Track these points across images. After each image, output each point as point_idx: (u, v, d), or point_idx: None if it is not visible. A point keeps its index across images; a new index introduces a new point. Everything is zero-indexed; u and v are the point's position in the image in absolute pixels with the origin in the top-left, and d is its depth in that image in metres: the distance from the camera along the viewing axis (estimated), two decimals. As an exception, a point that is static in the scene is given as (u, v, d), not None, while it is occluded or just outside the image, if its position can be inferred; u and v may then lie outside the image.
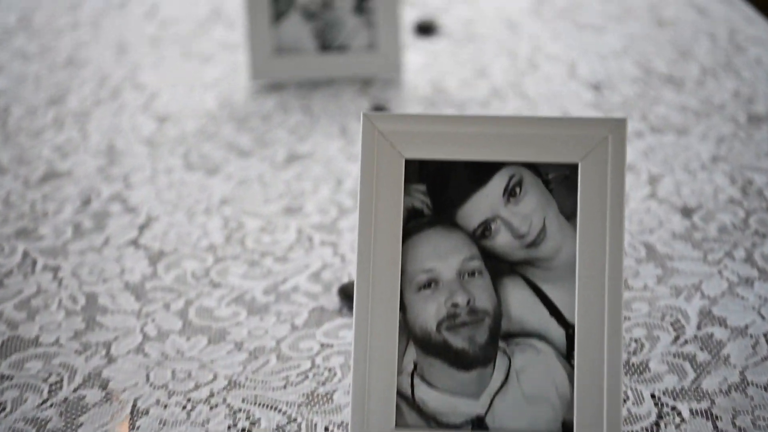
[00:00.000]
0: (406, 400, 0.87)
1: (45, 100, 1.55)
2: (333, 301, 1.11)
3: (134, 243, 1.22)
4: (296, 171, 1.36)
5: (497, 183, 0.90)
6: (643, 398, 0.97)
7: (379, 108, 1.48)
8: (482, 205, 0.90)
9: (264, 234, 1.23)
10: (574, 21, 1.76)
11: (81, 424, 0.95)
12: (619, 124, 0.89)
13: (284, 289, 1.13)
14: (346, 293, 1.11)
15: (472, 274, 0.89)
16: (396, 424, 0.87)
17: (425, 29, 1.73)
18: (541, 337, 0.88)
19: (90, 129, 1.47)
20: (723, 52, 1.63)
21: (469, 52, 1.67)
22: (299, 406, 0.97)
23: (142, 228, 1.24)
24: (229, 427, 0.94)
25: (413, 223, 0.90)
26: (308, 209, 1.28)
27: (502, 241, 0.89)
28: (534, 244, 0.89)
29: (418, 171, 0.90)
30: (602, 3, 1.83)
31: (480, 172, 0.90)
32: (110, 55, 1.70)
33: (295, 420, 0.95)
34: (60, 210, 1.28)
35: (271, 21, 1.55)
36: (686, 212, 1.23)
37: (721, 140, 1.38)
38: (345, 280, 1.14)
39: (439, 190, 0.90)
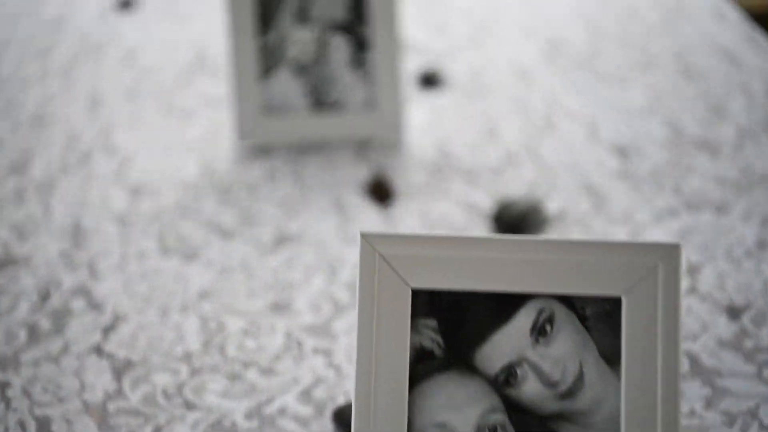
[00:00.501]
0: None
1: (5, 168, 1.40)
2: (326, 428, 0.96)
3: (97, 350, 1.07)
4: (285, 256, 1.21)
5: (523, 319, 0.75)
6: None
7: (379, 178, 1.32)
8: (505, 345, 0.75)
9: (247, 338, 1.08)
10: (594, 71, 1.61)
11: None
12: (672, 252, 0.74)
13: (269, 412, 0.98)
14: (342, 419, 0.95)
15: (493, 430, 0.74)
16: None
17: (429, 81, 1.58)
18: None
19: (54, 203, 1.32)
20: (761, 109, 1.48)
21: (478, 108, 1.52)
22: None
23: (107, 330, 1.09)
24: None
25: (422, 367, 0.76)
26: (298, 305, 1.13)
27: (529, 389, 0.75)
28: (569, 394, 0.74)
29: (427, 303, 0.76)
30: (623, 49, 1.68)
31: (502, 306, 0.75)
32: (81, 111, 1.54)
33: None
34: (14, 306, 1.13)
35: (258, 76, 1.40)
36: (733, 313, 1.08)
37: (766, 221, 1.23)
38: (341, 400, 0.99)
39: (453, 326, 0.75)
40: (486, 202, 1.30)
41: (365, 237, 0.76)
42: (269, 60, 1.41)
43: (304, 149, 1.42)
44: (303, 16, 1.41)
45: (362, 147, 1.42)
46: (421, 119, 1.49)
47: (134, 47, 1.75)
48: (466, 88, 1.59)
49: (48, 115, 1.53)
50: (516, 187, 1.32)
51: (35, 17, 1.86)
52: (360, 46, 1.41)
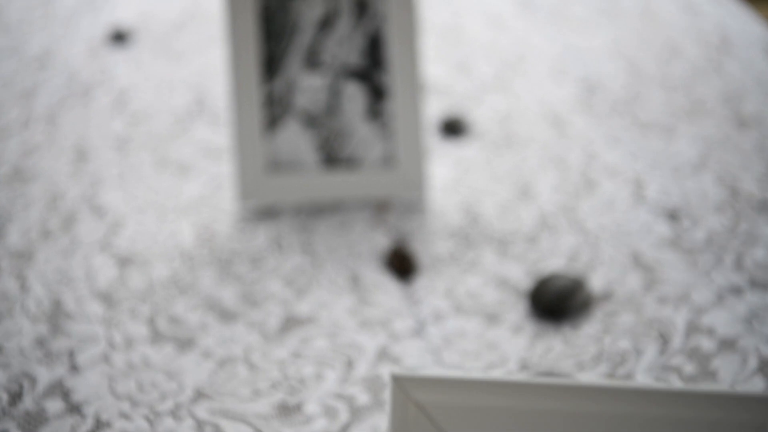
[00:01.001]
0: None
1: (-23, 234, 1.26)
2: None
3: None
4: (294, 345, 1.06)
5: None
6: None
7: (400, 248, 1.18)
8: None
9: (250, 451, 0.93)
10: (634, 118, 1.46)
11: None
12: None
13: None
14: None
15: None
16: None
17: (452, 129, 1.43)
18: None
19: (31, 277, 1.17)
20: (826, 165, 1.33)
21: (508, 162, 1.37)
22: None
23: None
24: None
25: None
26: (309, 409, 0.98)
27: None
28: None
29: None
30: (667, 93, 1.53)
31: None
32: (65, 165, 1.40)
33: None
34: (-19, 409, 0.98)
35: (263, 129, 1.26)
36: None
37: None
38: None
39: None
40: (521, 275, 1.15)
41: (397, 380, 0.61)
42: (275, 110, 1.26)
43: (315, 211, 1.27)
44: (313, 61, 1.26)
45: (381, 209, 1.27)
46: (445, 175, 1.34)
47: (126, 88, 1.60)
48: (493, 136, 1.44)
49: (28, 170, 1.39)
50: (555, 260, 1.18)
51: (19, 54, 1.72)
52: (377, 94, 1.26)
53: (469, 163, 1.37)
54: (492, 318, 1.09)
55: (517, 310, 1.10)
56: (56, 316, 1.11)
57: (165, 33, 1.77)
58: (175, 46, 1.74)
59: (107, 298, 1.13)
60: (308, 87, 1.26)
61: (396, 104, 1.25)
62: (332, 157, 1.27)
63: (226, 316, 1.10)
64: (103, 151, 1.43)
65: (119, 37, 1.74)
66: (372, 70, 1.26)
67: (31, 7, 1.87)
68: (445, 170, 1.35)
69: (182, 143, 1.44)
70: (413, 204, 1.28)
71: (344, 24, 1.25)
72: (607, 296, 1.11)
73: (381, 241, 1.21)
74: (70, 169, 1.39)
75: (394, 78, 1.25)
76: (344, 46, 1.26)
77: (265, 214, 1.27)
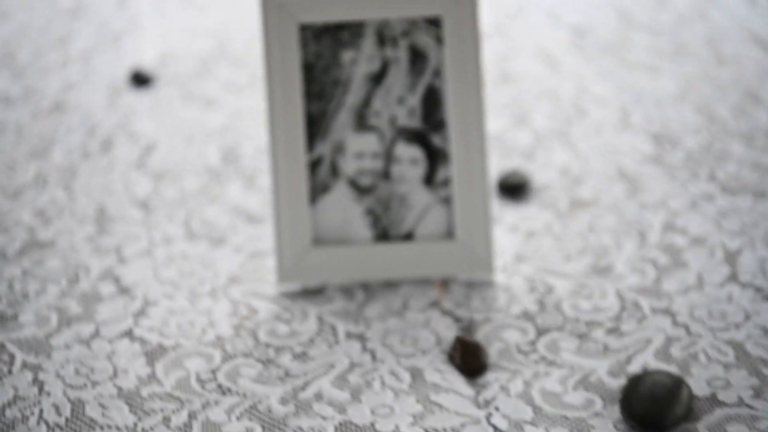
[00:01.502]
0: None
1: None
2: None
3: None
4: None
5: None
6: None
7: (467, 344, 1.04)
8: None
9: None
10: (720, 183, 1.32)
11: None
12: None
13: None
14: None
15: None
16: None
17: (511, 189, 1.30)
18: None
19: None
20: None
21: (576, 228, 1.23)
22: None
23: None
24: None
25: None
26: None
27: None
28: None
29: None
30: (746, 148, 1.39)
31: None
32: (80, 240, 1.25)
33: None
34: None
35: (308, 198, 1.12)
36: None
37: None
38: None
39: None
40: (605, 370, 1.01)
41: None
42: (322, 177, 1.13)
43: (368, 295, 1.13)
44: (363, 122, 1.13)
45: (440, 289, 1.14)
46: (507, 244, 1.21)
47: (150, 141, 1.46)
48: (555, 195, 1.30)
49: (32, 274, 1.26)
50: (645, 354, 1.04)
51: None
52: (435, 158, 1.13)
53: (532, 229, 1.24)
54: (579, 427, 0.95)
55: (608, 418, 0.96)
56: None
57: (190, 76, 1.64)
58: (201, 90, 1.60)
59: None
60: (358, 151, 1.13)
61: (457, 169, 1.12)
62: (385, 229, 1.13)
63: (271, 425, 0.97)
64: (121, 224, 1.28)
65: (141, 81, 1.61)
66: (430, 132, 1.13)
67: (45, 48, 1.72)
68: (508, 242, 1.21)
69: (213, 207, 1.31)
70: (476, 282, 1.14)
71: (398, 79, 1.12)
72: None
73: (442, 327, 1.08)
74: (83, 242, 1.25)
75: (453, 139, 1.12)
76: (398, 104, 1.13)
77: (309, 298, 1.13)
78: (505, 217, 1.26)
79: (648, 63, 1.62)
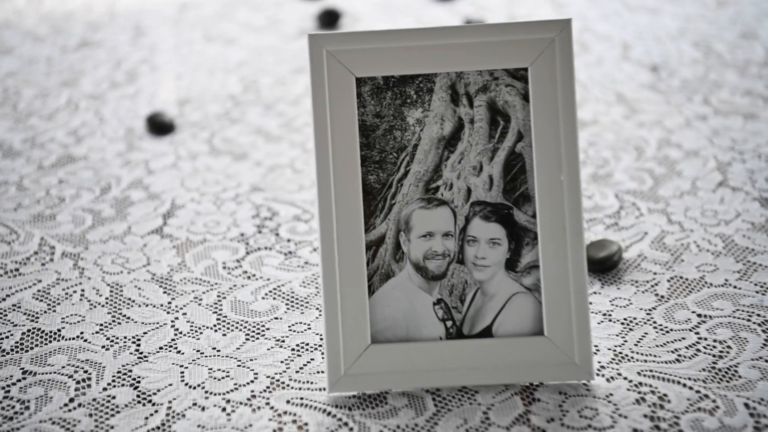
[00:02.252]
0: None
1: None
2: None
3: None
4: None
5: None
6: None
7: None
8: None
9: None
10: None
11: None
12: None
13: None
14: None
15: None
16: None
17: (606, 265, 1.08)
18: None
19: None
20: None
21: (683, 315, 1.02)
22: None
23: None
24: None
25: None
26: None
27: None
28: None
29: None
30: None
31: None
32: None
33: None
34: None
35: (365, 288, 0.94)
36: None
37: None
38: None
39: None
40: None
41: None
42: (382, 264, 0.95)
43: (438, 403, 0.93)
44: (432, 198, 0.95)
45: (527, 398, 0.93)
46: (604, 339, 0.99)
47: (172, 208, 1.20)
48: (655, 277, 1.08)
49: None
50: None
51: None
52: (519, 240, 0.95)
53: (630, 319, 1.02)
54: None
55: None
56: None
57: (213, 127, 1.42)
58: (226, 142, 1.38)
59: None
60: (426, 230, 0.95)
61: (545, 252, 0.93)
62: (460, 325, 0.95)
63: None
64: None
65: (159, 129, 1.40)
66: (512, 206, 0.95)
67: (50, 92, 1.53)
68: (601, 328, 1.01)
69: (251, 290, 1.09)
70: (571, 389, 0.94)
71: (474, 143, 0.95)
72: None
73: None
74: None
75: (541, 216, 0.94)
76: (474, 174, 0.95)
77: (365, 403, 0.93)
78: (595, 299, 1.05)
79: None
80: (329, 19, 1.68)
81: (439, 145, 0.95)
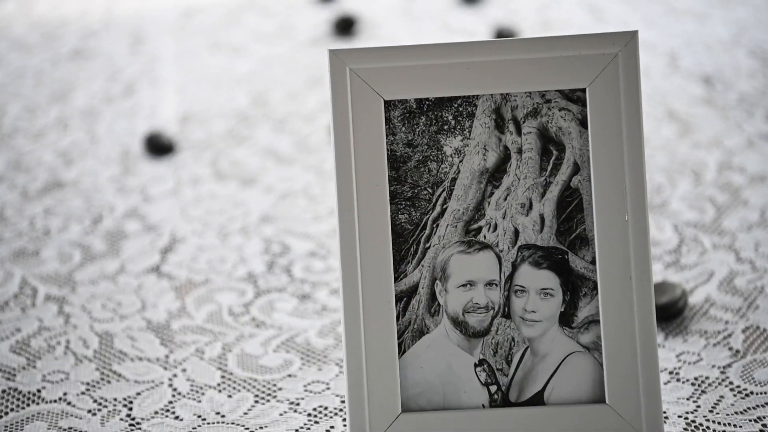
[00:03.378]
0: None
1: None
2: None
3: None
4: None
5: None
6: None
7: None
8: None
9: None
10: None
11: None
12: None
13: None
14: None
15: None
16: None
17: (666, 311, 0.95)
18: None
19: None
20: None
21: (762, 382, 0.89)
22: None
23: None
24: None
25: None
26: None
27: None
28: None
29: None
30: None
31: None
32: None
33: None
34: None
35: (395, 347, 0.81)
36: None
37: None
38: None
39: None
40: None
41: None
42: (415, 318, 0.82)
43: None
44: (473, 241, 0.82)
45: None
46: (671, 403, 0.87)
47: (172, 241, 1.08)
48: (730, 319, 0.96)
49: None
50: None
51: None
52: (575, 291, 0.82)
53: (702, 379, 0.90)
54: None
55: None
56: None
57: (218, 147, 1.30)
58: (233, 164, 1.26)
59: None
60: (466, 278, 0.82)
61: (606, 304, 0.81)
62: (504, 391, 0.82)
63: None
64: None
65: (159, 150, 1.27)
66: (567, 251, 0.82)
67: (38, 108, 1.40)
68: (665, 390, 0.88)
69: (261, 341, 0.97)
70: None
71: (522, 177, 0.82)
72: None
73: None
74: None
75: (601, 263, 0.81)
76: (522, 213, 0.82)
77: None
78: (659, 355, 0.87)
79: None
80: (345, 25, 1.56)
81: (482, 179, 0.82)
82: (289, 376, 0.92)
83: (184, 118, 1.35)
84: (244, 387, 0.90)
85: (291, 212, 1.15)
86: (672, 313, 0.95)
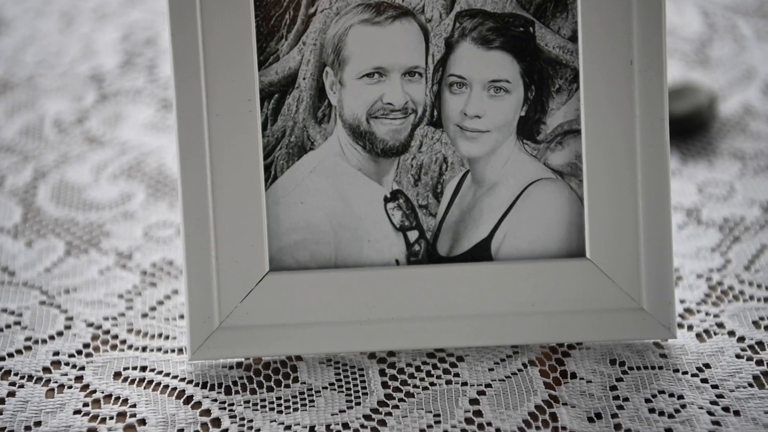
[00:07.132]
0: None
1: None
2: None
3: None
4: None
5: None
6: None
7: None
8: None
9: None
10: None
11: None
12: None
13: None
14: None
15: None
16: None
17: (684, 124, 0.80)
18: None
19: None
20: None
21: None
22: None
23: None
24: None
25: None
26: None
27: None
28: None
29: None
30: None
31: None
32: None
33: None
34: None
35: (259, 173, 0.54)
36: None
37: None
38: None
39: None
40: None
41: None
42: (287, 129, 0.61)
43: (387, 385, 0.61)
44: (380, 6, 0.61)
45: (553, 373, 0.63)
46: (687, 257, 0.70)
47: None
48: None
49: None
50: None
51: None
52: (544, 85, 0.60)
53: (734, 221, 0.74)
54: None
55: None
56: None
57: None
58: None
59: None
60: (373, 66, 0.61)
61: (593, 109, 0.61)
62: (430, 240, 0.62)
63: None
64: None
65: None
66: (534, 21, 0.61)
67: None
68: (678, 238, 0.72)
69: (91, 166, 0.82)
70: (632, 357, 0.63)
71: None
72: None
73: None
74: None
75: (587, 43, 0.60)
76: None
77: (257, 370, 0.62)
78: (672, 186, 0.71)
79: None
80: None
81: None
82: (125, 216, 0.74)
83: None
84: (53, 231, 0.73)
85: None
86: (694, 126, 0.80)
